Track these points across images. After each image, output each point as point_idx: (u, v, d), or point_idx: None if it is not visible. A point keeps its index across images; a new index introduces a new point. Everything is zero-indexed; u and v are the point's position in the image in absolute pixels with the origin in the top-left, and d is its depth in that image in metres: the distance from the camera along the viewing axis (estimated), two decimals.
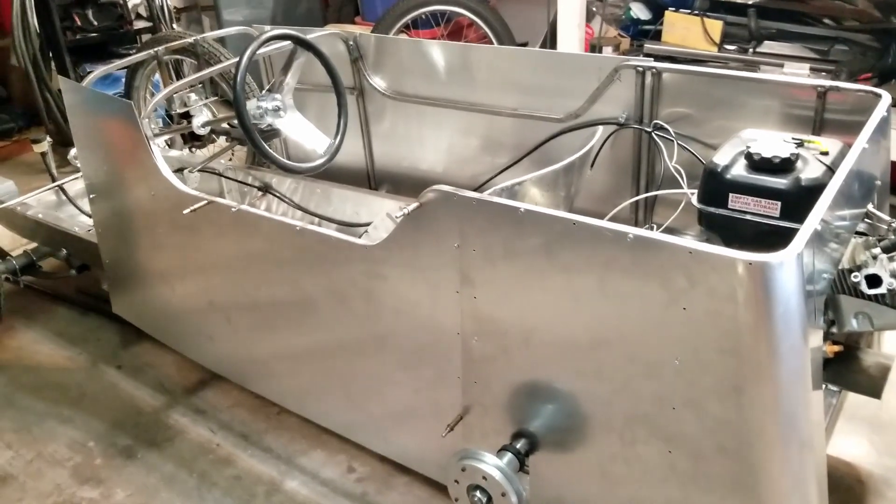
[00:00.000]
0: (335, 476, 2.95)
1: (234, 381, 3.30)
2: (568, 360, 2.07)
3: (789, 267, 1.69)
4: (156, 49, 3.78)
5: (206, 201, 2.74)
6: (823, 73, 4.45)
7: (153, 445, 3.16)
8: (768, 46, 4.70)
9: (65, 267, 3.94)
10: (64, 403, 3.44)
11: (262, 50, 2.97)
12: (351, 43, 3.69)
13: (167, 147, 4.02)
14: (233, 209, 2.66)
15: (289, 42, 3.06)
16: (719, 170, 2.35)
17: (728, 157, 2.39)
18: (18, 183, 4.27)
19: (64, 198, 4.16)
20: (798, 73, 4.47)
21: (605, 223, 1.88)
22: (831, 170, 2.25)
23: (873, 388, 2.31)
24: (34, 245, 4.04)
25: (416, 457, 2.70)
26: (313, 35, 3.37)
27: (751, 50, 4.70)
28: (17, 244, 4.30)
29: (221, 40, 4.38)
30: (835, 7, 4.48)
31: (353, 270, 2.45)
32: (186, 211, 2.74)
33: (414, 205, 2.18)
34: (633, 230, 1.83)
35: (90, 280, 3.93)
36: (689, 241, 1.77)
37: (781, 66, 4.55)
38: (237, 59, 2.80)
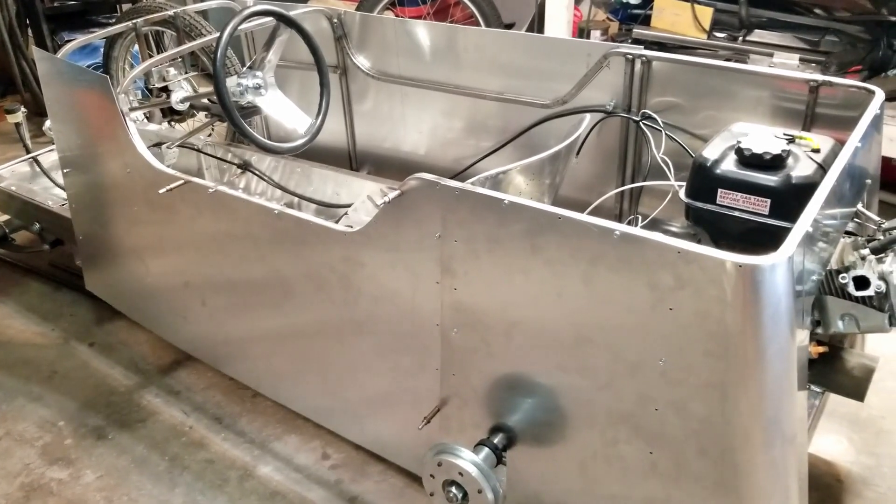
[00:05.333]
0: (309, 462, 2.91)
1: (207, 364, 3.25)
2: (550, 356, 2.03)
3: (780, 270, 1.65)
4: (134, 20, 3.68)
5: (182, 181, 2.67)
6: (813, 64, 4.41)
7: (125, 426, 3.10)
8: (758, 35, 4.65)
9: (38, 241, 3.86)
10: (35, 381, 3.37)
11: (243, 26, 2.90)
12: (335, 20, 3.62)
13: (146, 120, 3.94)
14: (210, 189, 2.60)
15: (271, 18, 2.99)
16: (709, 164, 2.31)
17: (718, 151, 2.35)
18: None
19: (38, 170, 4.07)
20: (787, 64, 4.43)
21: (591, 218, 1.83)
22: (823, 168, 2.21)
23: (857, 390, 2.28)
24: (6, 217, 3.95)
25: (391, 447, 2.66)
26: (297, 11, 3.31)
27: (740, 38, 4.66)
28: None
29: (205, 13, 4.29)
30: None
31: (331, 256, 2.40)
32: (163, 190, 2.67)
33: (396, 192, 2.13)
34: (620, 227, 1.79)
35: (64, 254, 3.86)
36: (677, 241, 1.73)
37: (771, 55, 4.51)
38: (218, 34, 2.73)
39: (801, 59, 4.44)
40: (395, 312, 2.32)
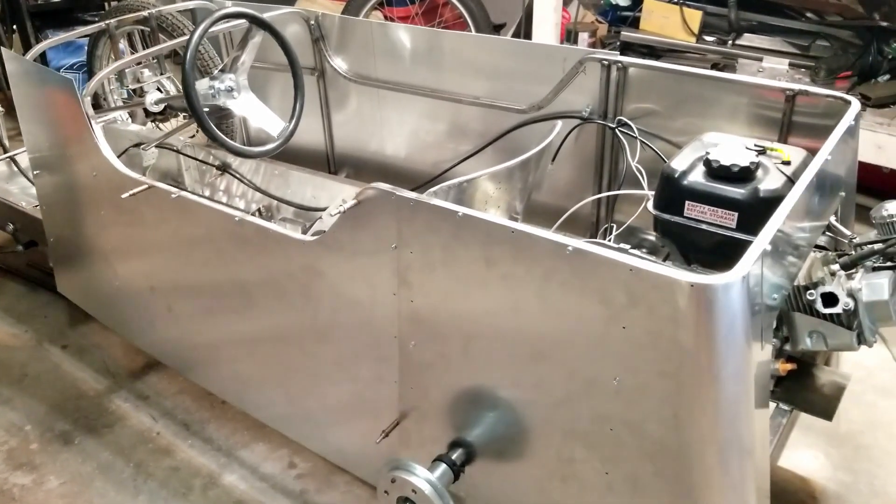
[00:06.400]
0: (275, 471, 2.86)
1: (174, 369, 3.20)
2: (507, 372, 1.98)
3: (734, 289, 1.60)
4: (107, 21, 3.63)
5: (145, 185, 2.62)
6: (803, 69, 4.34)
7: (92, 431, 3.06)
8: (748, 39, 4.58)
9: (12, 242, 3.81)
10: (4, 383, 3.33)
11: (215, 28, 2.84)
12: (312, 23, 3.57)
13: (129, 120, 3.89)
14: (172, 195, 2.55)
15: (244, 20, 2.94)
16: (676, 175, 2.26)
17: (686, 162, 2.29)
18: None
19: (16, 169, 4.03)
20: (777, 68, 4.36)
21: (544, 232, 1.78)
22: (792, 181, 2.16)
23: (825, 408, 2.23)
24: None
25: (352, 459, 2.62)
26: (272, 13, 3.26)
27: (730, 42, 4.59)
28: None
29: (193, 13, 4.23)
30: (817, 1, 4.36)
31: (291, 264, 2.35)
32: (125, 195, 2.62)
33: (351, 202, 2.08)
34: (573, 242, 1.74)
35: (41, 255, 3.81)
36: (629, 258, 1.68)
37: (760, 59, 4.44)
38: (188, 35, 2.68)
39: (790, 64, 4.37)
40: (354, 323, 2.28)
